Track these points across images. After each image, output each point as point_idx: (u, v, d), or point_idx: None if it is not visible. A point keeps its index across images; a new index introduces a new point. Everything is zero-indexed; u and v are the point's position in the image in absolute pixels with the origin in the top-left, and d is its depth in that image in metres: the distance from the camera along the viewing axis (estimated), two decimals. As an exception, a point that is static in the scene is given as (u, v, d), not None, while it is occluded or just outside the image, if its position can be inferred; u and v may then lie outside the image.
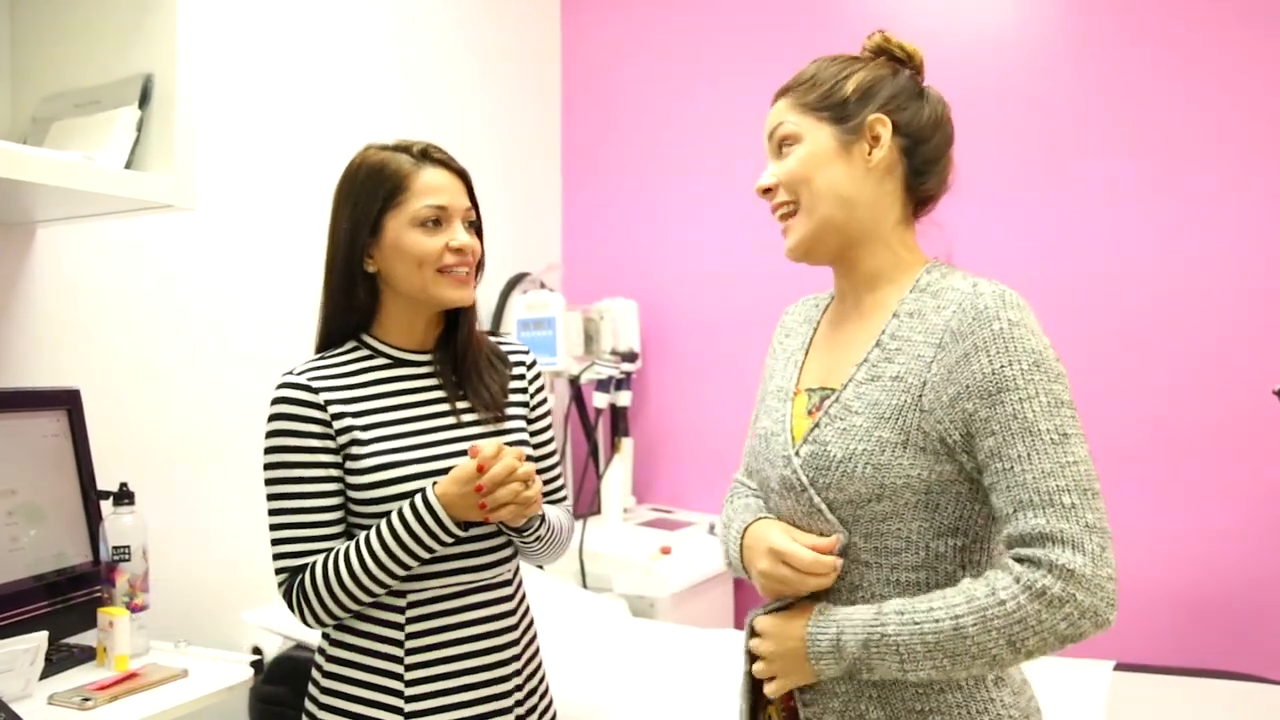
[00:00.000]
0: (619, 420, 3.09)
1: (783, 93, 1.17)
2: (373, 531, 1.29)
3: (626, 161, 3.34)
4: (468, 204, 1.39)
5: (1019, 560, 0.98)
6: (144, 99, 1.59)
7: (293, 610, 1.32)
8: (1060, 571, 0.95)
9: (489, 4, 3.06)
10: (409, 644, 1.33)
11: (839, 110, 1.12)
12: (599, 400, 3.00)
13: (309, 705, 1.39)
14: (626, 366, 3.01)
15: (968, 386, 1.01)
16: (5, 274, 1.74)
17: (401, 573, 1.29)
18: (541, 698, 1.46)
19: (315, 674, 1.39)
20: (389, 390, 1.38)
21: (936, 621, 0.99)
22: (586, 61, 3.40)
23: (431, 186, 1.35)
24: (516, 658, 1.40)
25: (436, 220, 1.34)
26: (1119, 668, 2.18)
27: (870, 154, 1.11)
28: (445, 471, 1.32)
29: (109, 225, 1.87)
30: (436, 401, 1.40)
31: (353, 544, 1.29)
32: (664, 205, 3.27)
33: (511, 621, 1.40)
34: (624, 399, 3.06)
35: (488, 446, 1.26)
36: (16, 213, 1.68)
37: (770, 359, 1.30)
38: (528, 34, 3.27)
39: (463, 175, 1.40)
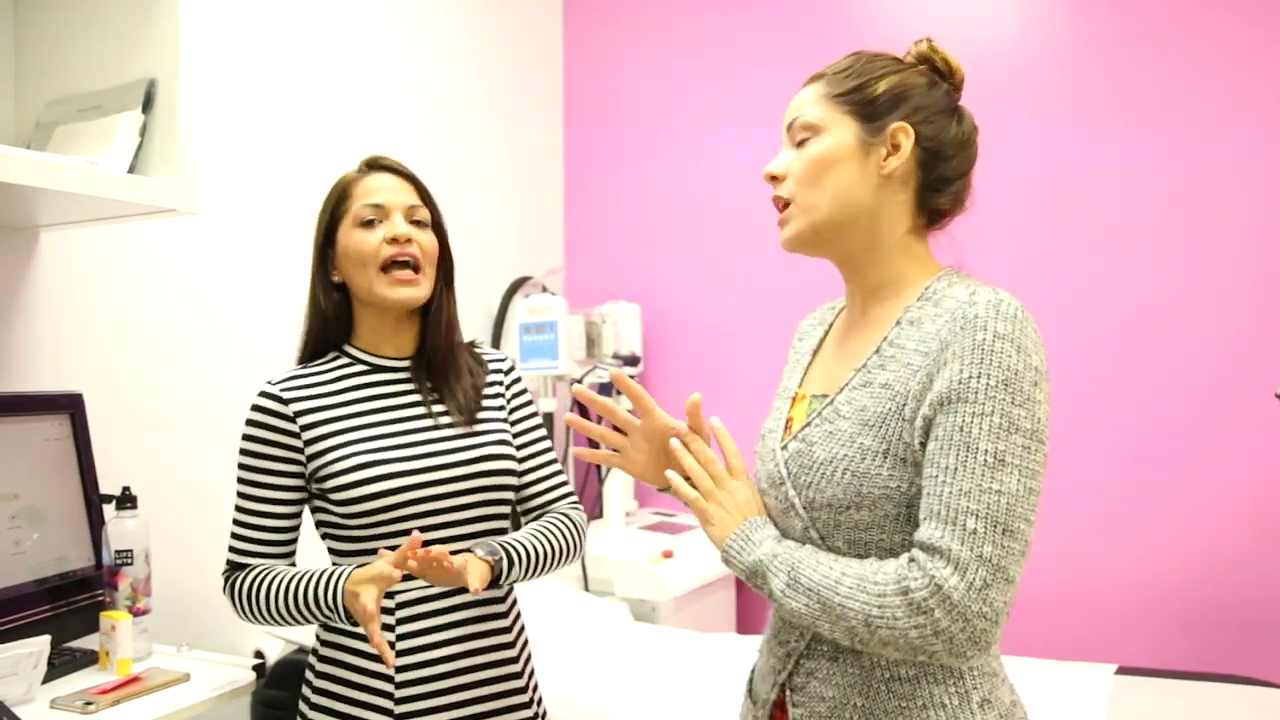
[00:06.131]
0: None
1: (814, 79, 1.13)
2: (293, 579, 1.33)
3: (629, 165, 3.34)
4: (411, 201, 1.43)
5: (910, 559, 0.98)
6: (147, 104, 1.59)
7: (230, 601, 1.40)
8: (931, 585, 0.94)
9: (491, 7, 3.06)
10: (400, 644, 1.33)
11: (867, 108, 1.09)
12: (601, 404, 2.99)
13: (302, 706, 1.40)
14: (628, 370, 3.01)
15: (937, 393, 0.98)
16: (8, 278, 1.74)
17: (305, 623, 1.34)
18: (532, 700, 1.45)
19: (308, 674, 1.41)
20: (366, 396, 1.42)
21: (830, 568, 1.02)
22: (589, 64, 3.40)
23: (370, 189, 1.42)
24: (514, 659, 1.41)
25: (374, 219, 1.40)
26: (1121, 671, 2.18)
27: (886, 160, 1.08)
28: (423, 471, 1.36)
29: (112, 229, 1.87)
30: (413, 405, 1.43)
31: (278, 580, 1.34)
32: (666, 208, 3.27)
33: (505, 624, 1.42)
34: (626, 403, 3.05)
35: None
36: (20, 217, 1.68)
37: (787, 366, 1.29)
38: (530, 36, 3.28)
39: (410, 178, 1.45)
